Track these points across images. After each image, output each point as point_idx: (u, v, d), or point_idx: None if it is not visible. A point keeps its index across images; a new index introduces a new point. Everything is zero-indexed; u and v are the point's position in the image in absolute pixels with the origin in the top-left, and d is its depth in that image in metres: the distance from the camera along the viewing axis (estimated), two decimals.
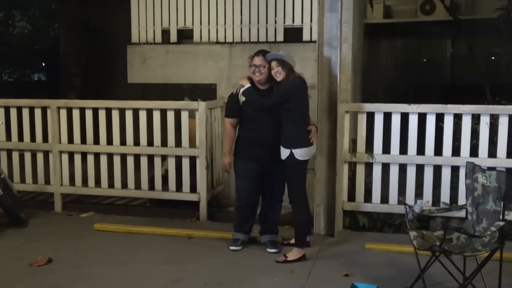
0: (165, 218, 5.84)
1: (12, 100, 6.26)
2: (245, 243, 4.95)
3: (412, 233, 3.80)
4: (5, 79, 14.81)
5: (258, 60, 4.60)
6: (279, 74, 4.47)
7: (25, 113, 6.20)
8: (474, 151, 5.09)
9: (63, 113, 6.14)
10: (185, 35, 7.08)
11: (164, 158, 6.09)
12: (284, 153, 4.50)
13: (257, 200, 4.87)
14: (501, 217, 3.59)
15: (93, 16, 10.77)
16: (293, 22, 6.44)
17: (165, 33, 6.97)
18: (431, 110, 5.12)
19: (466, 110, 5.05)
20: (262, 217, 4.93)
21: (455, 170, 5.15)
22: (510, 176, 3.85)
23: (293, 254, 4.59)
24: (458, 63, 12.83)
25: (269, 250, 4.82)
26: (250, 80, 4.72)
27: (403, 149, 5.23)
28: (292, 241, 4.80)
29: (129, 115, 5.96)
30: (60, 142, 6.17)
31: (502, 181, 3.58)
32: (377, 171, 5.33)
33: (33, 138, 6.22)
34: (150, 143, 5.97)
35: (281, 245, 4.91)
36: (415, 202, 4.38)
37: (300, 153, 4.45)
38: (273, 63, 4.48)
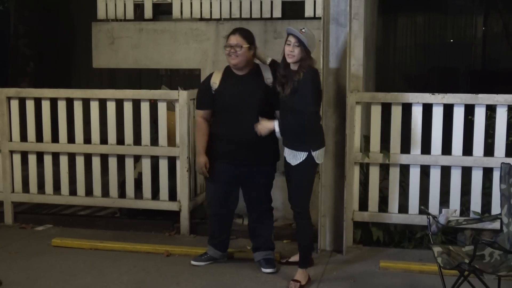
0: (139, 232, 5.85)
1: None
2: (214, 259, 4.97)
3: (436, 249, 3.82)
4: None
5: (234, 39, 4.57)
6: (292, 56, 4.33)
7: None
8: (510, 150, 5.12)
9: (14, 104, 6.12)
10: (162, 10, 7.05)
11: (137, 159, 6.08)
12: (299, 156, 4.42)
13: (231, 210, 4.91)
14: None
15: None
16: None
17: (138, 7, 6.94)
18: (459, 100, 5.14)
19: (501, 100, 5.07)
20: (251, 231, 4.94)
21: (487, 172, 5.18)
22: None
23: (303, 276, 4.53)
24: (491, 44, 12.91)
25: (264, 270, 4.81)
26: (228, 66, 4.70)
27: (426, 148, 5.26)
28: (292, 259, 4.81)
29: (94, 107, 5.94)
30: (10, 140, 6.15)
31: None
32: (394, 174, 5.35)
33: None
34: (121, 140, 5.96)
35: (279, 264, 4.91)
36: (440, 212, 4.38)
37: (320, 155, 4.48)
38: (293, 40, 4.33)
